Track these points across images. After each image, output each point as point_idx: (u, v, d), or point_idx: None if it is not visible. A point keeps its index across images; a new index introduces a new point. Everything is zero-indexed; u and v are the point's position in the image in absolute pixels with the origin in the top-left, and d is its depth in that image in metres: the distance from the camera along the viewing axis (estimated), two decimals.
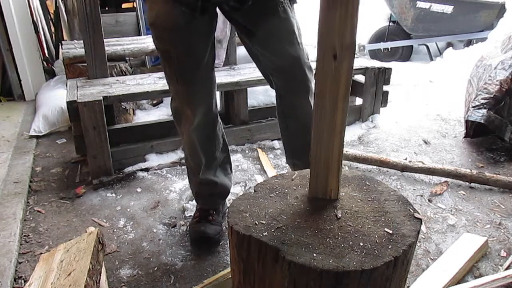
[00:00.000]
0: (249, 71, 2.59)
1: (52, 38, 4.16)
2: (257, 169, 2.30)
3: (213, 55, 1.46)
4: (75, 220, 1.87)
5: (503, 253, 1.60)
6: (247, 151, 2.50)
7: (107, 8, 4.61)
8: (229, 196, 1.98)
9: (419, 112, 3.12)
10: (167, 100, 3.18)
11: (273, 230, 0.93)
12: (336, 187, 1.02)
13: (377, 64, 2.87)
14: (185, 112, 1.49)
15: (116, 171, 2.22)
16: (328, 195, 1.03)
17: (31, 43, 3.52)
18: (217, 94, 2.23)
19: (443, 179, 2.12)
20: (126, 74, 2.76)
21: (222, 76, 2.44)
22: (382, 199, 1.06)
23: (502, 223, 1.79)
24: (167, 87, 2.24)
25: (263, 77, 2.41)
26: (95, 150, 2.11)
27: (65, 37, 4.11)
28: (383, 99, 2.86)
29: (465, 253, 1.52)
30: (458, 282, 1.43)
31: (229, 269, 1.45)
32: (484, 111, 2.33)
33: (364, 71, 2.73)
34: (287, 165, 2.32)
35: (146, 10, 4.32)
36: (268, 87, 2.74)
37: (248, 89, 2.50)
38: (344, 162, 2.32)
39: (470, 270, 1.51)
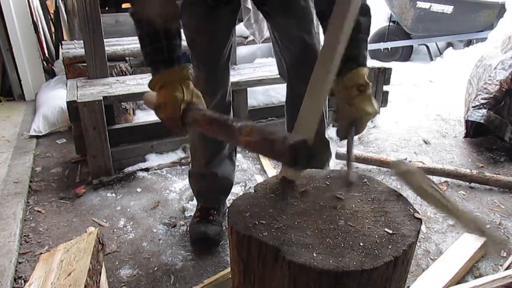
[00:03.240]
0: (249, 71, 2.59)
1: (52, 38, 4.15)
2: (257, 169, 2.30)
3: (231, 45, 1.52)
4: (75, 220, 1.87)
5: (503, 253, 1.60)
6: (247, 151, 2.50)
7: (107, 8, 4.61)
8: (229, 196, 1.98)
9: (419, 112, 3.12)
10: None
11: (273, 230, 0.93)
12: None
13: (377, 64, 2.87)
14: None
15: (116, 171, 2.22)
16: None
17: (31, 43, 3.52)
18: None
19: (443, 179, 2.12)
20: (126, 74, 2.76)
21: None
22: (382, 199, 1.06)
23: (502, 223, 1.79)
24: None
25: (263, 77, 2.45)
26: (95, 150, 2.11)
27: (65, 37, 4.11)
28: (383, 99, 2.86)
29: (465, 253, 1.52)
30: (458, 282, 1.43)
31: (229, 269, 1.45)
32: (484, 111, 2.33)
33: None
34: None
35: None
36: (268, 87, 2.75)
37: (248, 89, 2.50)
38: (344, 162, 2.32)
39: (470, 270, 1.51)
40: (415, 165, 1.20)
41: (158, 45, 1.09)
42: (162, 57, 1.09)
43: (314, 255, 0.85)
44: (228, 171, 1.74)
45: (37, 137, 2.76)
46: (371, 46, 5.19)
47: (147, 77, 2.50)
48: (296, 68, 1.52)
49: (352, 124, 1.12)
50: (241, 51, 3.49)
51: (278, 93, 2.79)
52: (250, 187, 2.09)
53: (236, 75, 2.49)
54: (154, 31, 1.08)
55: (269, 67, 2.69)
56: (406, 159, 2.28)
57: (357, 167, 2.31)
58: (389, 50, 5.21)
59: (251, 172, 2.25)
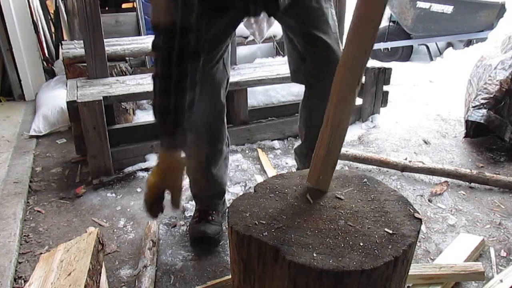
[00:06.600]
0: (249, 71, 2.59)
1: (52, 38, 4.15)
2: (257, 169, 2.30)
3: (227, 47, 1.53)
4: (75, 220, 1.87)
5: (503, 253, 1.60)
6: (247, 151, 2.50)
7: (107, 8, 4.61)
8: (229, 196, 1.98)
9: (419, 112, 3.12)
10: None
11: (273, 230, 0.93)
12: (324, 177, 1.05)
13: (377, 64, 2.87)
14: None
15: (116, 171, 2.22)
16: (317, 184, 1.06)
17: (31, 43, 3.51)
18: None
19: (443, 179, 2.12)
20: (126, 74, 2.76)
21: None
22: (382, 199, 1.06)
23: (502, 223, 1.79)
24: None
25: (263, 77, 2.45)
26: (95, 150, 2.11)
27: (65, 37, 4.11)
28: (383, 99, 2.86)
29: (462, 253, 1.52)
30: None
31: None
32: (484, 111, 2.33)
33: (364, 71, 2.72)
34: (287, 164, 2.32)
35: (146, 10, 4.32)
36: (268, 87, 2.75)
37: (248, 89, 2.50)
38: (344, 162, 2.32)
39: None
40: None
41: (165, 115, 1.18)
42: (167, 131, 1.20)
43: (314, 255, 0.85)
44: (222, 175, 1.71)
45: (37, 137, 2.76)
46: None
47: (147, 77, 2.50)
48: (315, 68, 1.50)
49: None
50: (241, 51, 3.48)
51: (278, 93, 2.79)
52: (250, 187, 2.09)
53: (236, 75, 2.49)
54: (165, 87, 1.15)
55: (269, 67, 2.69)
56: (406, 159, 2.27)
57: (357, 167, 2.31)
58: (389, 50, 5.21)
59: (251, 172, 2.25)
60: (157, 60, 1.19)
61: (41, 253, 1.57)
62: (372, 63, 2.90)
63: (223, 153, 1.67)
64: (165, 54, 1.17)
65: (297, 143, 1.78)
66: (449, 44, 5.28)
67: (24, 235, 1.76)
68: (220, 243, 1.68)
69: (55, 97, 2.97)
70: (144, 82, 2.36)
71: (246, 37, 3.11)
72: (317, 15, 1.44)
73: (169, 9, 1.14)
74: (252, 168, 2.30)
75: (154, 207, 1.28)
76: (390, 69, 2.79)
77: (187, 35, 1.17)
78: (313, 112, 1.61)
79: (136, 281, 1.43)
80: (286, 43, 1.59)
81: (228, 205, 1.78)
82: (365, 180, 1.15)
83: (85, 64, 2.46)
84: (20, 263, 1.60)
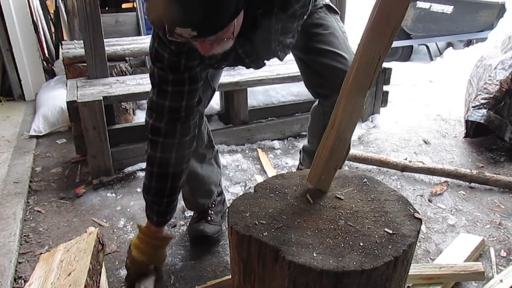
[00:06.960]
0: (249, 71, 2.59)
1: (52, 38, 4.16)
2: (257, 169, 2.30)
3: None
4: (75, 220, 1.87)
5: (503, 253, 1.60)
6: (247, 151, 2.50)
7: (107, 8, 4.61)
8: (229, 196, 1.98)
9: (419, 112, 3.12)
10: None
11: (273, 230, 0.93)
12: (325, 178, 1.06)
13: None
14: None
15: (116, 171, 2.22)
16: (318, 184, 1.06)
17: (31, 43, 3.52)
18: (216, 94, 2.23)
19: (443, 179, 2.12)
20: (126, 74, 2.76)
21: (222, 76, 2.42)
22: (382, 199, 1.06)
23: (502, 223, 1.79)
24: None
25: (263, 77, 2.45)
26: (95, 150, 2.11)
27: (65, 37, 4.11)
28: (383, 99, 2.86)
29: (462, 253, 1.52)
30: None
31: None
32: (484, 111, 2.33)
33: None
34: (287, 164, 2.32)
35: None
36: (268, 87, 2.75)
37: (248, 89, 2.50)
38: (344, 162, 2.32)
39: None
40: None
41: (159, 198, 1.27)
42: (159, 210, 1.30)
43: (314, 255, 0.85)
44: (209, 174, 1.66)
45: (37, 137, 2.76)
46: None
47: (147, 77, 2.50)
48: (329, 79, 1.45)
49: None
50: None
51: (278, 93, 2.79)
52: (250, 187, 2.09)
53: (236, 75, 2.49)
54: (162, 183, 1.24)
55: (269, 67, 2.67)
56: (406, 159, 2.27)
57: (357, 167, 2.31)
58: (389, 50, 5.22)
59: (251, 172, 2.25)
60: (157, 143, 1.19)
61: (41, 253, 1.57)
62: None
63: (206, 155, 1.63)
64: (166, 140, 1.19)
65: (305, 142, 1.77)
66: (449, 44, 5.28)
67: (24, 235, 1.76)
68: (220, 243, 1.68)
69: (55, 97, 2.97)
70: (144, 82, 2.36)
71: None
72: (320, 30, 1.42)
73: (173, 93, 1.13)
74: (252, 168, 2.30)
75: (134, 279, 1.34)
76: (390, 69, 2.79)
77: (189, 119, 1.20)
78: (325, 118, 1.59)
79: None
80: (295, 60, 1.57)
81: (228, 205, 1.78)
82: (365, 180, 1.15)
83: (85, 64, 2.46)
84: (20, 263, 1.60)
